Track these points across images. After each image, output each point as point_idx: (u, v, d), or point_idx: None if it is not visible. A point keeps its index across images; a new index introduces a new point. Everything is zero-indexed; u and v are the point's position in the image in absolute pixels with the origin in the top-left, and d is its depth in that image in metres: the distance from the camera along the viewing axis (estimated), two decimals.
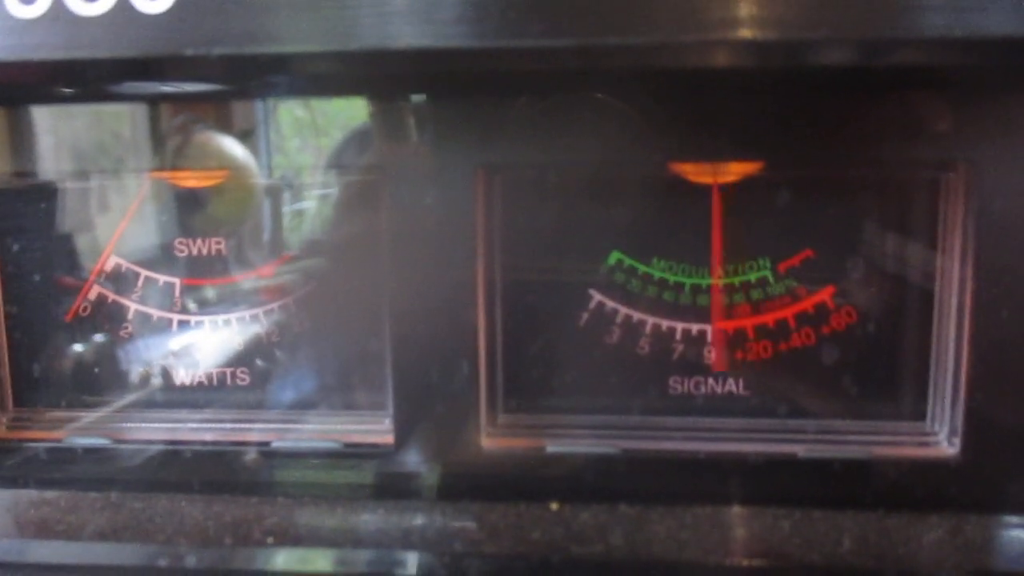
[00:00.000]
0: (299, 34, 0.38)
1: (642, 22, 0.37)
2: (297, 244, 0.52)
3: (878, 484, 0.47)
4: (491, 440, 0.50)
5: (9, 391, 0.54)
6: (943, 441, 0.48)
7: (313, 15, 0.38)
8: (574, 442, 0.50)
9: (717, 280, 0.50)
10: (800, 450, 0.48)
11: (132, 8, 0.39)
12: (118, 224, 0.52)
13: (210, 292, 0.53)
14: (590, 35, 0.37)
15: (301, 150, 0.50)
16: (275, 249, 0.52)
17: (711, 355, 0.50)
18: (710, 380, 0.51)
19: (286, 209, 0.52)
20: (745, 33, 0.37)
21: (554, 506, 0.48)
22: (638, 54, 0.38)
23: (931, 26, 0.36)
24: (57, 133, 0.50)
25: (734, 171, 0.48)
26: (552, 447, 0.50)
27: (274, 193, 0.52)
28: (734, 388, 0.51)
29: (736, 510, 0.47)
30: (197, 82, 0.43)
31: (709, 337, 0.50)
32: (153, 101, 0.50)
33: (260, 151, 0.50)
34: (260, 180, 0.51)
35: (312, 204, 0.52)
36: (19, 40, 0.40)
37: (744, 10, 0.36)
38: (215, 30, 0.39)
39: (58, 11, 0.40)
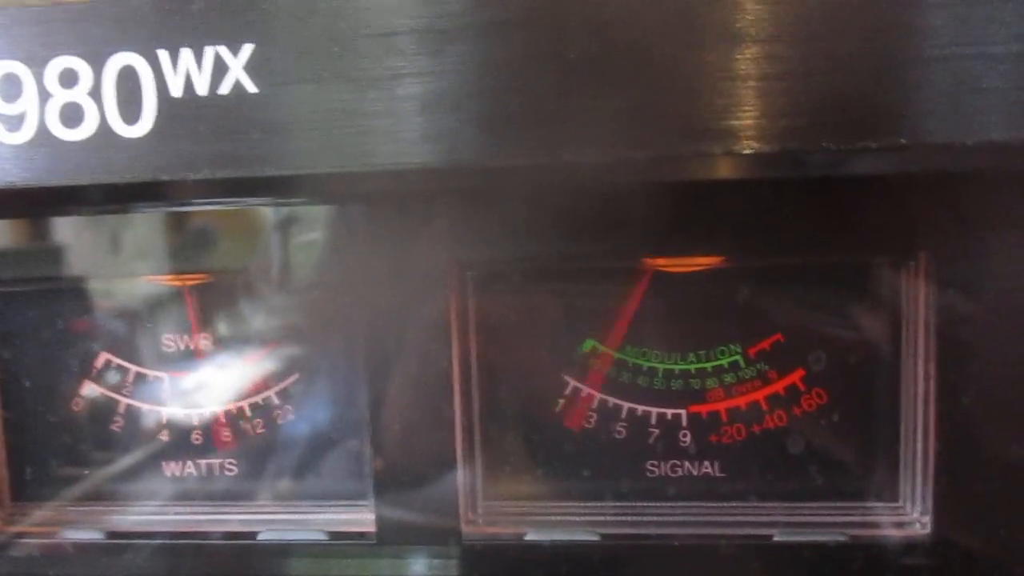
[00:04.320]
0: (285, 157, 0.40)
1: (643, 138, 0.38)
2: (278, 337, 0.54)
3: (852, 566, 0.48)
4: (471, 528, 0.51)
5: (7, 488, 0.55)
6: (915, 522, 0.49)
7: (291, 138, 0.40)
8: (553, 529, 0.51)
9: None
10: (775, 532, 0.49)
11: (113, 133, 0.41)
12: (109, 323, 0.54)
13: (197, 385, 0.54)
14: (599, 151, 0.39)
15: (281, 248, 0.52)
16: (258, 343, 0.54)
17: (687, 439, 0.51)
18: (686, 463, 0.52)
19: (266, 305, 0.54)
20: (749, 147, 0.38)
21: None
22: (644, 169, 0.40)
23: (936, 132, 0.37)
24: (52, 239, 0.52)
25: (703, 262, 0.50)
26: (531, 534, 0.51)
27: (257, 290, 0.54)
28: (710, 470, 0.52)
29: None
30: (181, 199, 0.45)
31: (684, 421, 0.51)
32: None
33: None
34: (242, 276, 0.53)
35: (292, 299, 0.54)
36: (5, 166, 0.42)
37: (748, 121, 0.38)
38: (194, 153, 0.41)
39: (43, 137, 0.42)
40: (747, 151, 0.38)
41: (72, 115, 0.41)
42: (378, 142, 0.40)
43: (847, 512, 0.50)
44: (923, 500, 0.48)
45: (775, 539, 0.49)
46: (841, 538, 0.49)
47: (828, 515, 0.50)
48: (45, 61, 0.41)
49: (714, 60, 0.38)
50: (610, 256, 0.49)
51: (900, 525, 0.49)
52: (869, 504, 0.50)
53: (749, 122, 0.38)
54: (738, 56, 0.38)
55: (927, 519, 0.48)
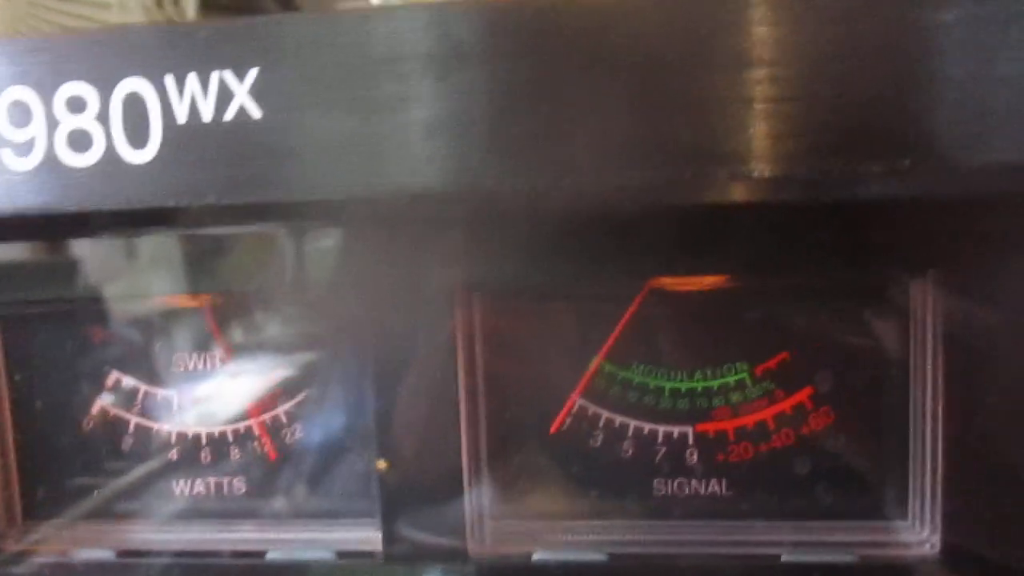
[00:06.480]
0: (290, 182, 0.41)
1: (650, 163, 0.39)
2: (286, 356, 0.54)
3: None
4: (478, 547, 0.51)
5: (19, 507, 0.56)
6: (926, 542, 0.48)
7: (297, 163, 0.40)
8: (560, 549, 0.51)
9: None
10: (783, 552, 0.49)
11: (120, 159, 0.42)
12: (119, 342, 0.55)
13: (206, 404, 0.55)
14: (606, 175, 0.39)
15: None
16: (266, 362, 0.54)
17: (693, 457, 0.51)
18: (693, 482, 0.52)
19: (274, 324, 0.54)
20: (756, 170, 0.38)
21: None
22: (650, 193, 0.40)
23: (942, 154, 0.37)
24: (62, 259, 0.53)
25: (709, 281, 0.50)
26: (539, 554, 0.51)
27: (265, 309, 0.54)
28: (717, 489, 0.51)
29: None
30: (188, 224, 0.45)
31: (691, 439, 0.51)
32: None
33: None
34: (250, 296, 0.53)
35: (300, 318, 0.54)
36: (15, 191, 0.42)
37: (754, 144, 0.38)
38: (200, 179, 0.41)
39: (51, 163, 0.42)
40: (754, 174, 0.38)
41: (80, 141, 0.42)
42: (382, 167, 0.40)
43: (856, 531, 0.50)
44: (933, 519, 0.48)
45: (783, 559, 0.49)
46: (850, 558, 0.48)
47: (837, 535, 0.49)
48: (54, 87, 0.42)
49: (721, 83, 0.38)
50: (616, 276, 0.49)
51: (910, 544, 0.49)
52: (878, 523, 0.50)
53: (755, 145, 0.38)
54: (745, 79, 0.38)
55: (936, 538, 0.48)
